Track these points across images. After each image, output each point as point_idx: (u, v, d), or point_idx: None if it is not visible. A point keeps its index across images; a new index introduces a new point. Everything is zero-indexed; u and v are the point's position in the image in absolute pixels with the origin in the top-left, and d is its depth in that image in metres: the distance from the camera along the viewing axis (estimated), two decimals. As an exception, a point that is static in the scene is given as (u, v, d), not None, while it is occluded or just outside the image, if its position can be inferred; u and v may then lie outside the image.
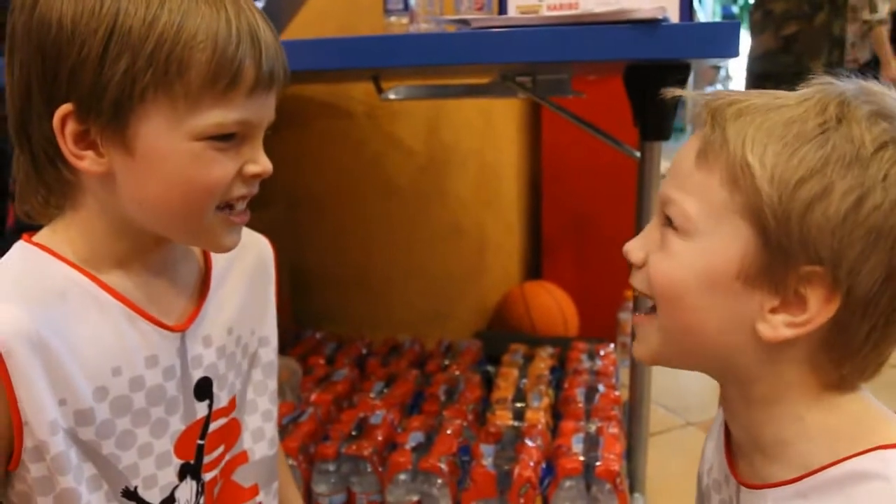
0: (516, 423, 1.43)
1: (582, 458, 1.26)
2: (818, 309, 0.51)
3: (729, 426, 0.62)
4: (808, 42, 2.72)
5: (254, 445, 0.75)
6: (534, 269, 2.55)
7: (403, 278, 2.27)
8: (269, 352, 0.77)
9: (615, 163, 1.80)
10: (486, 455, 1.30)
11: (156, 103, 0.56)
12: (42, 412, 0.56)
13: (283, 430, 1.39)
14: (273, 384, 0.78)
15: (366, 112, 2.17)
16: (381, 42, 1.11)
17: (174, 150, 0.57)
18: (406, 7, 1.45)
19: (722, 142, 0.52)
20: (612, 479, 1.23)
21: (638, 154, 1.28)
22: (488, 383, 1.69)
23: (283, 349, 0.92)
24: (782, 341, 0.52)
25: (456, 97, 1.98)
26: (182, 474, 0.67)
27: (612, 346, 1.88)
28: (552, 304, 2.29)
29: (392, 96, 1.64)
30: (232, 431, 0.73)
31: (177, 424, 0.66)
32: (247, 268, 0.74)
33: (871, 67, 2.75)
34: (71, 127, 0.56)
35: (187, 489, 0.67)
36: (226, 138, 0.58)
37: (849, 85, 0.53)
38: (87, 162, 0.57)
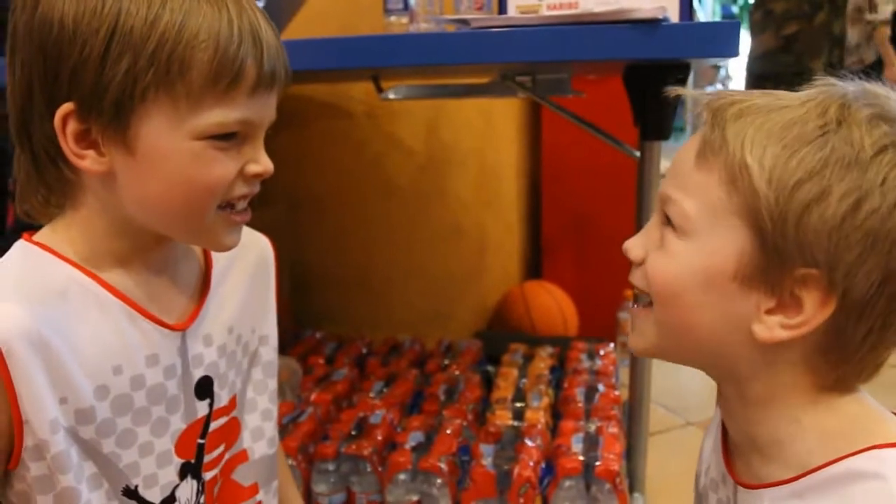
0: (516, 423, 1.43)
1: (581, 458, 1.27)
2: (814, 311, 0.51)
3: (726, 425, 0.62)
4: (808, 42, 2.72)
5: (253, 444, 0.75)
6: (534, 268, 2.56)
7: (404, 278, 2.27)
8: (269, 351, 0.77)
9: (615, 162, 1.80)
10: (486, 455, 1.30)
11: (157, 103, 0.56)
12: (43, 411, 0.56)
13: (283, 430, 1.39)
14: (273, 383, 0.78)
15: (366, 112, 2.17)
16: (381, 42, 1.11)
17: (175, 149, 0.57)
18: (406, 7, 1.45)
19: (721, 142, 0.53)
20: (612, 478, 1.23)
21: (638, 154, 1.28)
22: (488, 383, 1.70)
23: (283, 349, 0.92)
24: (778, 342, 0.52)
25: (456, 97, 1.98)
26: (182, 473, 0.67)
27: (611, 345, 1.88)
28: (552, 304, 2.29)
29: (392, 96, 1.64)
30: (232, 430, 0.73)
31: (177, 423, 0.66)
32: (247, 267, 0.74)
33: (876, 69, 2.75)
34: (72, 126, 0.56)
35: (188, 488, 0.67)
36: (227, 138, 0.58)
37: (851, 87, 0.53)
38: (88, 161, 0.58)
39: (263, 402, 0.76)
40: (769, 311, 0.52)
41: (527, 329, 2.23)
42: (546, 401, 1.55)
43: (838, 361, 0.53)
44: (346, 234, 2.27)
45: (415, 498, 1.27)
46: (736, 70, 7.00)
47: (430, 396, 1.59)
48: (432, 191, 2.23)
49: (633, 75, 1.19)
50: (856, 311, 0.50)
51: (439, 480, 1.26)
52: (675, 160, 0.58)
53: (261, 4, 0.62)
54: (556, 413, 1.55)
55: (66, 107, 0.56)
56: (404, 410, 1.55)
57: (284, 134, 2.04)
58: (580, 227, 2.44)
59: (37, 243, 0.61)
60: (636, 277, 0.59)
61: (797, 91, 0.55)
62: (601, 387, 1.60)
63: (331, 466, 1.33)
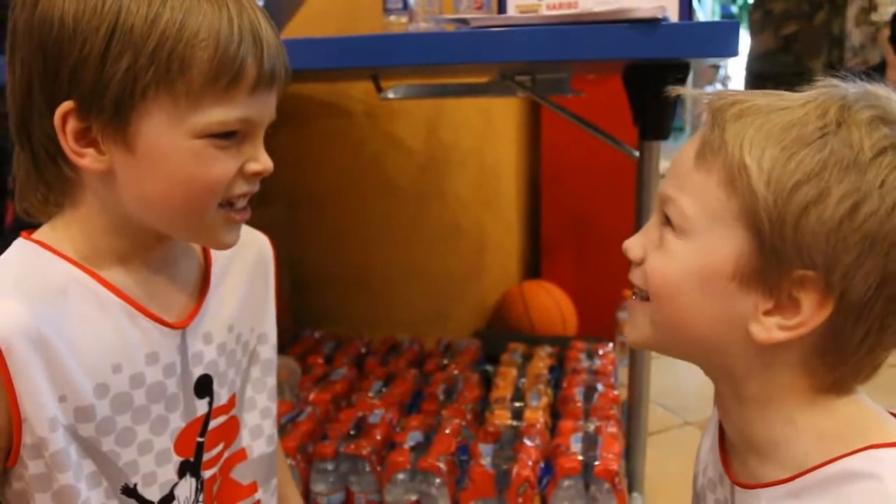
0: (515, 423, 1.44)
1: (580, 458, 1.27)
2: (811, 313, 0.50)
3: (723, 425, 0.62)
4: (807, 42, 2.72)
5: (252, 443, 0.75)
6: (533, 268, 2.56)
7: (403, 278, 2.27)
8: (268, 349, 0.77)
9: (614, 162, 1.80)
10: (485, 454, 1.30)
11: (157, 101, 0.56)
12: (42, 409, 0.56)
13: (282, 430, 1.39)
14: (272, 381, 0.78)
15: (365, 111, 2.17)
16: (381, 41, 1.11)
17: (175, 147, 0.57)
18: (405, 6, 1.45)
19: (721, 143, 0.52)
20: (611, 478, 1.23)
21: (637, 153, 1.28)
22: (487, 383, 1.70)
23: (282, 348, 0.92)
24: (775, 343, 0.52)
25: (455, 96, 1.99)
26: (181, 472, 0.67)
27: (610, 345, 1.88)
28: (551, 304, 2.29)
29: (391, 95, 1.64)
30: (231, 429, 0.73)
31: (177, 422, 0.66)
32: (247, 265, 0.74)
33: (880, 70, 2.74)
34: (72, 124, 0.56)
35: (187, 486, 0.67)
36: (227, 136, 0.58)
37: (852, 88, 0.53)
38: (87, 159, 0.58)
39: (262, 401, 0.76)
40: (767, 312, 0.52)
41: (526, 329, 2.23)
42: (545, 400, 1.55)
43: (836, 363, 0.53)
44: (345, 234, 2.28)
45: (413, 497, 1.27)
46: (735, 70, 7.00)
47: (429, 396, 1.59)
48: (432, 190, 2.23)
49: (633, 75, 1.19)
50: (853, 313, 0.50)
51: (438, 480, 1.26)
52: (674, 160, 0.58)
53: (261, 3, 0.62)
54: (555, 413, 1.55)
55: (66, 105, 0.56)
56: (403, 410, 1.55)
57: (284, 133, 2.04)
58: (579, 227, 2.44)
59: (36, 241, 0.61)
60: (636, 276, 0.59)
61: (797, 91, 0.54)
62: (600, 386, 1.60)
63: (329, 466, 1.33)
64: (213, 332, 0.69)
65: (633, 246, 0.59)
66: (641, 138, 1.25)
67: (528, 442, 1.33)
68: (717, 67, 6.47)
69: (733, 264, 0.52)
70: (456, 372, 1.71)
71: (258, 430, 0.76)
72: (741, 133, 0.52)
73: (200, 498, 0.69)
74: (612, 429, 1.38)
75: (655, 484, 1.51)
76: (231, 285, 0.72)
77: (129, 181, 0.59)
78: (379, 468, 1.32)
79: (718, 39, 0.96)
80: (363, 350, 1.89)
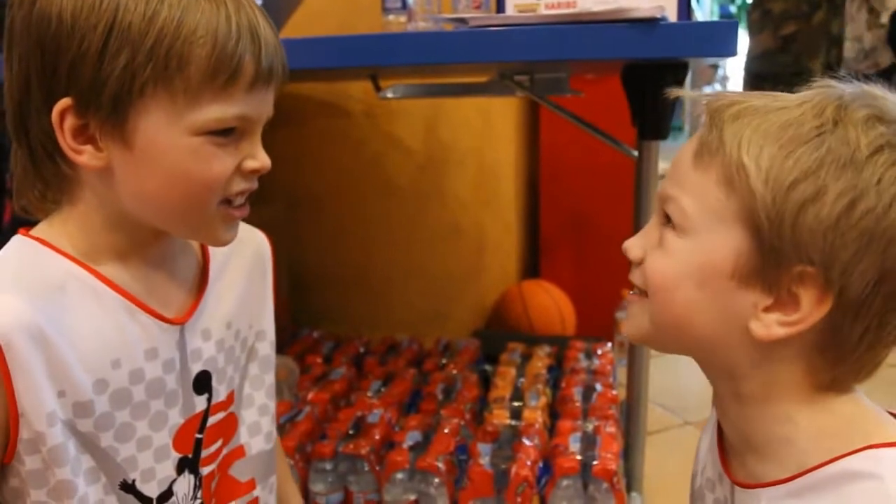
0: (514, 423, 1.43)
1: (579, 457, 1.27)
2: (810, 309, 0.51)
3: (721, 425, 0.62)
4: (806, 42, 2.71)
5: (250, 440, 0.75)
6: (532, 268, 2.56)
7: (402, 278, 2.28)
8: (266, 346, 0.77)
9: (613, 162, 1.80)
10: (484, 454, 1.30)
11: (155, 98, 0.56)
12: (40, 403, 0.56)
13: (281, 430, 1.39)
14: (270, 379, 0.78)
15: (364, 111, 2.17)
16: (379, 41, 1.12)
17: (173, 144, 0.57)
18: (404, 6, 1.45)
19: (719, 143, 0.53)
20: (610, 478, 1.23)
21: (636, 153, 1.28)
22: (486, 382, 1.70)
23: (281, 348, 0.92)
24: (775, 340, 0.52)
25: (454, 96, 1.99)
26: (180, 468, 0.67)
27: (609, 345, 1.88)
28: (550, 304, 2.29)
29: (390, 95, 1.64)
30: (230, 426, 0.73)
31: (176, 418, 0.66)
32: (244, 262, 0.75)
33: (892, 72, 2.73)
34: (70, 121, 0.57)
35: (185, 483, 0.67)
36: (225, 133, 0.59)
37: (849, 88, 0.53)
38: (85, 156, 0.58)
39: (260, 398, 0.76)
40: (766, 309, 0.52)
41: (525, 328, 2.23)
42: (544, 400, 1.55)
43: (835, 360, 0.53)
44: (344, 234, 2.28)
45: (412, 497, 1.27)
46: (734, 70, 7.01)
47: (428, 396, 1.59)
48: (431, 190, 2.23)
49: (632, 74, 1.19)
50: (852, 309, 0.50)
51: (437, 480, 1.26)
52: (674, 161, 0.58)
53: (259, 2, 0.62)
54: (554, 412, 1.55)
55: (64, 102, 0.56)
56: (402, 410, 1.55)
57: (283, 133, 2.04)
58: (578, 227, 2.44)
59: (34, 238, 0.61)
60: (636, 277, 0.60)
61: (795, 91, 0.55)
62: (599, 386, 1.60)
63: (328, 466, 1.33)
64: (212, 329, 0.69)
65: (633, 246, 0.60)
66: (640, 138, 1.25)
67: (526, 441, 1.33)
68: (715, 67, 6.47)
69: (733, 262, 0.52)
70: (455, 372, 1.71)
71: (256, 427, 0.76)
72: (739, 133, 0.52)
73: (199, 494, 0.69)
74: (611, 428, 1.38)
75: (654, 484, 1.51)
76: (229, 282, 0.72)
77: (126, 178, 0.59)
78: (378, 468, 1.32)
79: (717, 39, 0.96)
80: (362, 350, 1.89)
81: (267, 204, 1.91)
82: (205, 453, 0.69)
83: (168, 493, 0.66)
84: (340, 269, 2.30)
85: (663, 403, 2.02)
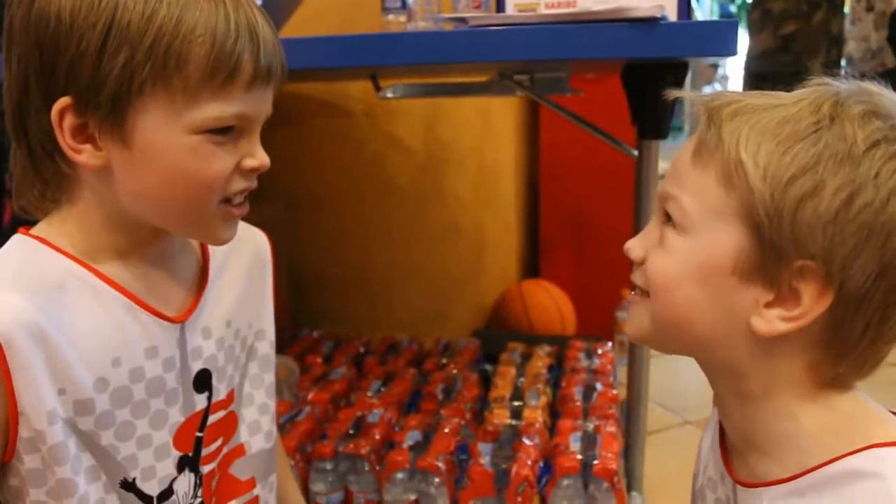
0: (514, 422, 1.43)
1: (579, 457, 1.26)
2: (812, 303, 0.51)
3: (723, 424, 0.62)
4: (806, 41, 2.71)
5: (250, 438, 0.75)
6: (531, 267, 2.56)
7: (402, 278, 2.27)
8: (266, 345, 0.77)
9: (613, 161, 1.80)
10: (484, 454, 1.29)
11: (154, 97, 0.56)
12: (40, 402, 0.56)
13: (281, 430, 1.39)
14: (270, 377, 0.78)
15: (364, 111, 2.17)
16: (379, 40, 1.11)
17: (172, 143, 0.57)
18: (404, 5, 1.45)
19: (717, 141, 0.53)
20: (610, 477, 1.23)
21: (636, 153, 1.28)
22: (486, 382, 1.69)
23: (281, 348, 0.92)
24: (777, 336, 0.52)
25: (454, 95, 1.98)
26: (180, 466, 0.67)
27: (609, 344, 1.88)
28: (550, 303, 2.29)
29: (390, 94, 1.64)
30: (230, 424, 0.73)
31: (176, 416, 0.66)
32: (244, 261, 0.75)
33: None
34: (69, 120, 0.57)
35: (185, 481, 0.67)
36: (224, 132, 0.59)
37: (845, 85, 0.53)
38: (84, 155, 0.58)
39: (260, 397, 0.76)
40: (768, 305, 0.52)
41: (525, 328, 2.23)
42: (544, 400, 1.54)
43: (837, 356, 0.53)
44: (344, 233, 2.28)
45: (412, 497, 1.27)
46: (734, 69, 7.01)
47: (428, 395, 1.59)
48: (431, 190, 2.23)
49: (631, 74, 1.19)
50: (853, 304, 0.51)
51: (437, 479, 1.26)
52: (674, 160, 0.59)
53: (258, 1, 0.62)
54: (554, 412, 1.54)
55: (63, 101, 0.56)
56: (402, 409, 1.55)
57: (282, 132, 2.04)
58: (578, 226, 2.44)
59: (34, 237, 0.61)
60: (637, 277, 0.60)
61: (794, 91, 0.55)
62: (599, 386, 1.60)
63: (328, 466, 1.33)
64: (212, 327, 0.69)
65: (634, 247, 0.60)
66: (640, 137, 1.25)
67: (527, 441, 1.33)
68: (715, 67, 6.48)
69: (733, 259, 0.52)
70: (455, 371, 1.71)
71: (256, 426, 0.76)
72: (737, 130, 0.52)
73: (199, 493, 0.69)
74: (611, 428, 1.37)
75: (654, 483, 1.51)
76: (229, 280, 0.72)
77: (126, 177, 0.59)
78: (378, 467, 1.32)
79: (717, 39, 0.96)
80: (362, 349, 1.89)
81: (267, 203, 1.91)
82: (205, 452, 0.69)
83: (168, 492, 0.66)
84: (340, 269, 2.30)
85: (663, 403, 2.02)
